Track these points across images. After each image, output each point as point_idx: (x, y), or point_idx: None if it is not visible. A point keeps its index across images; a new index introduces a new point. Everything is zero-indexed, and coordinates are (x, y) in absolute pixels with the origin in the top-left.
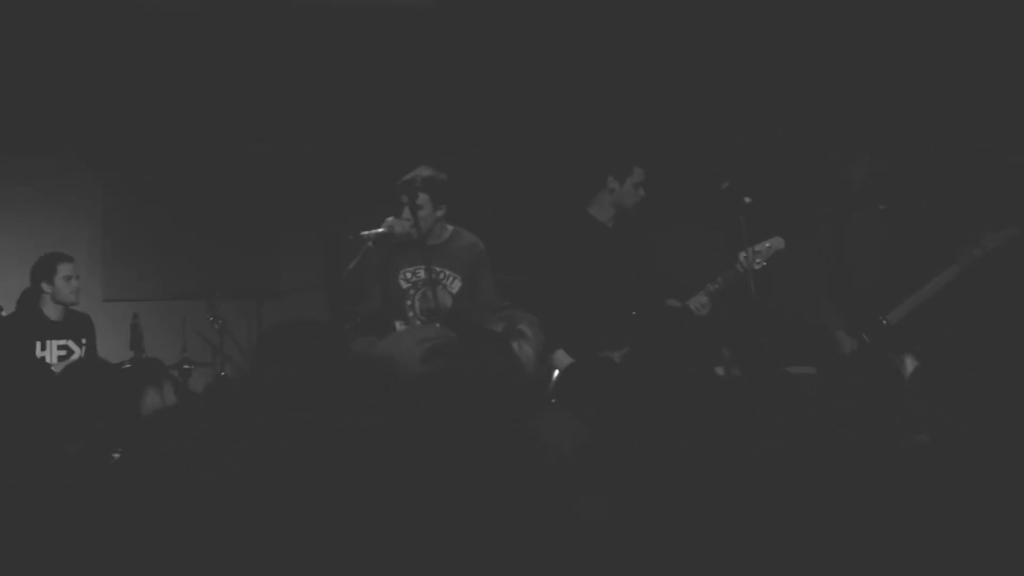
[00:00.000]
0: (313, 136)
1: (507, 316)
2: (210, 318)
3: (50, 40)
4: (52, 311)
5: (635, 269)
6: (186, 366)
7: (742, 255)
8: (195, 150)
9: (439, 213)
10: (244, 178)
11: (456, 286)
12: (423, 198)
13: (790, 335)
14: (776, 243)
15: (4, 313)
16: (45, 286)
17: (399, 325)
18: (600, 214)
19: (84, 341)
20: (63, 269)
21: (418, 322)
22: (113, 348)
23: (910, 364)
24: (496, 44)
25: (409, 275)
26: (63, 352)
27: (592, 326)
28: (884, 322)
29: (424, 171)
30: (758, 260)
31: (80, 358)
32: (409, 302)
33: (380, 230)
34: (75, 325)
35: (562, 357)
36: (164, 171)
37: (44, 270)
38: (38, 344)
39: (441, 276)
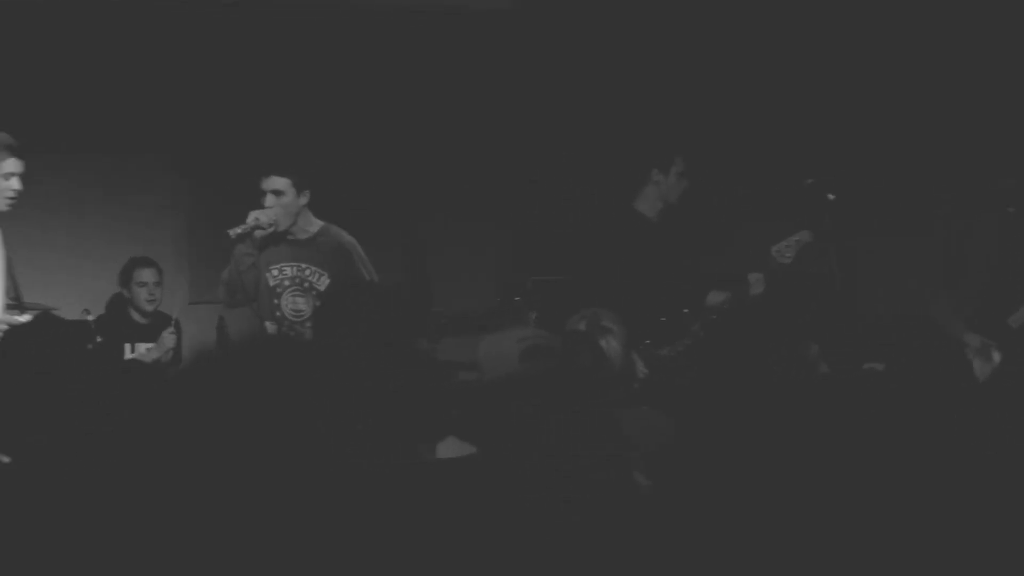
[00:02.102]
0: (388, 133)
1: (590, 314)
2: None
3: (139, 43)
4: (137, 315)
5: (685, 262)
6: None
7: (773, 248)
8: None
9: (303, 200)
10: (325, 176)
11: (324, 283)
12: (284, 183)
13: (895, 333)
14: (803, 236)
15: (92, 317)
16: (125, 291)
17: (269, 326)
18: (647, 209)
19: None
20: (138, 275)
21: (286, 322)
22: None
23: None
24: (556, 46)
25: (276, 272)
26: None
27: (641, 323)
28: (1011, 325)
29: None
30: (787, 255)
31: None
32: (276, 300)
33: (246, 224)
34: (163, 328)
35: None
36: (247, 171)
37: (124, 275)
38: (127, 347)
39: (308, 273)
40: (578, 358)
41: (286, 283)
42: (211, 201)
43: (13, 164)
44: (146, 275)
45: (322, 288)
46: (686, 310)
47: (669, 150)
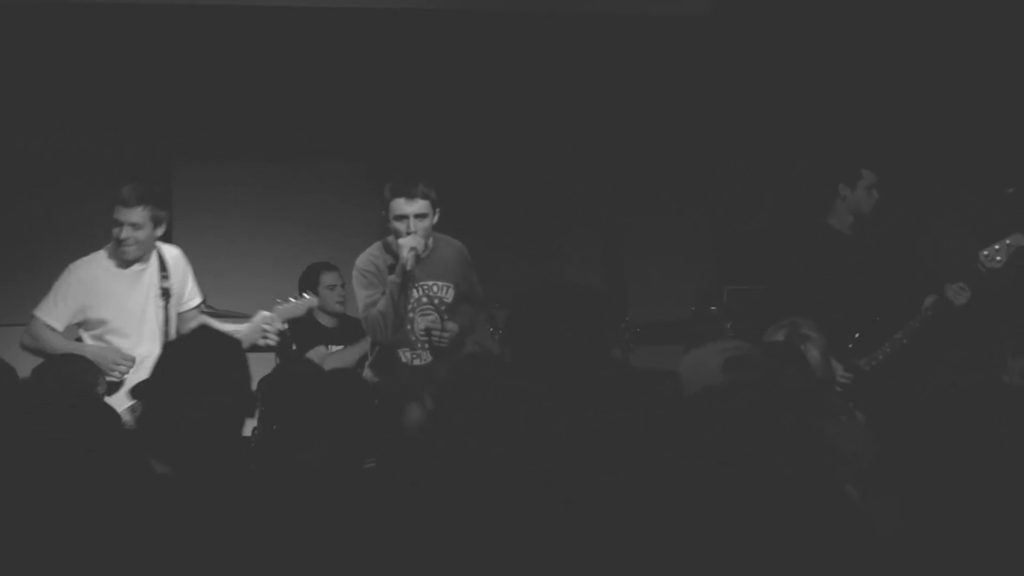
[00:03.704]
0: (588, 139)
1: (788, 323)
2: (490, 328)
3: (343, 53)
4: (325, 319)
5: (881, 274)
6: None
7: (983, 253)
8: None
9: (436, 219)
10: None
11: (451, 295)
12: (426, 205)
13: None
14: (1016, 240)
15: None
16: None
17: (403, 355)
18: (838, 223)
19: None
20: (326, 279)
21: (419, 345)
22: None
23: None
24: (755, 53)
25: None
26: None
27: (837, 336)
28: None
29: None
30: (997, 259)
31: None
32: (409, 326)
33: (407, 255)
34: (350, 330)
35: None
36: (450, 181)
37: (308, 280)
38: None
39: (436, 289)
40: (780, 369)
41: (416, 306)
42: None
43: (118, 211)
44: (333, 278)
45: (450, 300)
46: (878, 318)
47: (855, 163)
